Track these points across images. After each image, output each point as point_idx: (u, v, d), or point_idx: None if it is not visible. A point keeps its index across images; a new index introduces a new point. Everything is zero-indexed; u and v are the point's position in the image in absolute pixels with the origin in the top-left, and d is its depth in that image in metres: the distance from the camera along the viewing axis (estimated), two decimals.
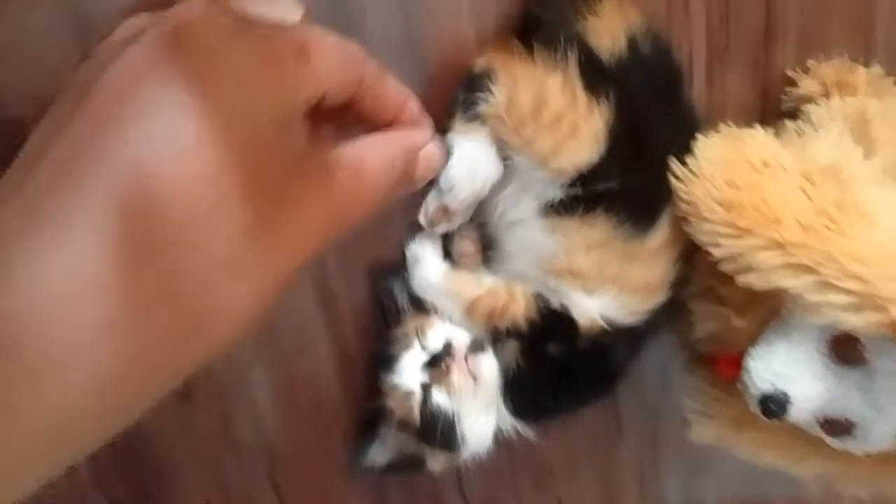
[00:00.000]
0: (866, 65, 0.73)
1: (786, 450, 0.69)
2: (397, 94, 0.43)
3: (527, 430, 0.69)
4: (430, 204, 0.66)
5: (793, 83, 0.73)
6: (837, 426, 0.59)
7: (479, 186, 0.63)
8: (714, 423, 0.73)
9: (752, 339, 0.63)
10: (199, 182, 0.30)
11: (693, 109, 0.67)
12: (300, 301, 0.70)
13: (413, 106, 0.44)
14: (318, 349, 0.73)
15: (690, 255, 0.66)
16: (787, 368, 0.59)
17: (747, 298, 0.64)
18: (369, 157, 0.38)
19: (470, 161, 0.62)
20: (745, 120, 0.69)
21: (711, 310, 0.68)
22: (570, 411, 0.72)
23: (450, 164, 0.61)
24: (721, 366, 0.68)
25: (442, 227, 0.67)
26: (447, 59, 0.66)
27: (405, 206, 0.68)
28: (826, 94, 0.72)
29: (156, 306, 0.29)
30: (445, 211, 0.65)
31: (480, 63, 0.63)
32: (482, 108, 0.60)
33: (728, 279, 0.63)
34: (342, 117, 0.40)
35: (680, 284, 0.67)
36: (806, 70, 0.73)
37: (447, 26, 0.65)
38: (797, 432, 0.65)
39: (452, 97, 0.63)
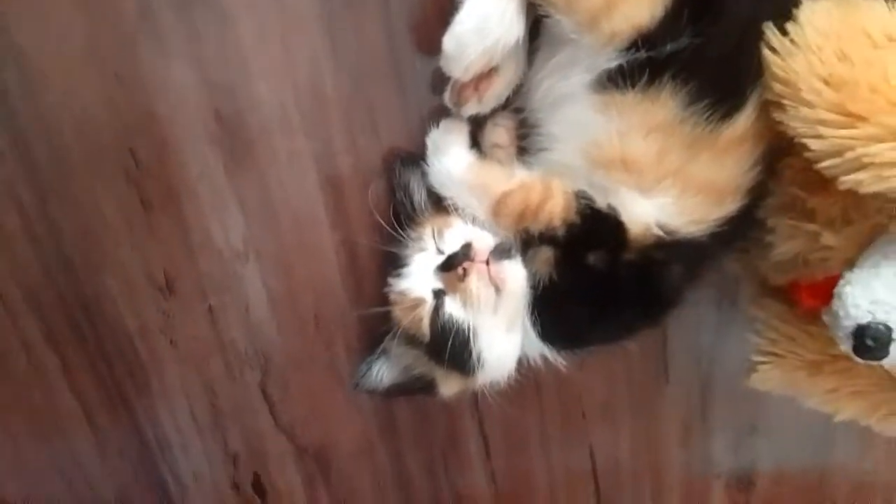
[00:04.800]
0: None
1: (870, 403, 0.59)
2: None
3: (557, 359, 0.60)
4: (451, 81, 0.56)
5: None
6: None
7: (491, 46, 0.52)
8: (785, 366, 0.62)
9: (848, 262, 0.53)
10: None
11: None
12: (301, 184, 0.62)
13: None
14: (321, 247, 0.65)
15: (774, 158, 0.54)
16: (893, 296, 0.47)
17: (845, 210, 0.53)
18: None
19: (481, 15, 0.51)
20: None
21: (796, 226, 0.56)
22: (609, 340, 0.62)
23: (457, 18, 0.51)
24: (804, 294, 0.57)
25: (470, 109, 0.57)
26: None
27: (431, 83, 0.59)
28: None
29: None
30: (474, 85, 0.54)
31: None
32: None
33: (820, 187, 0.53)
34: None
35: (757, 193, 0.55)
36: None
37: None
38: (887, 382, 0.54)
39: None
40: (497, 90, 0.56)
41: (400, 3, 0.57)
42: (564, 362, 0.60)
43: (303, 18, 0.56)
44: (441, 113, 0.59)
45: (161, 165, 0.58)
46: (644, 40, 0.48)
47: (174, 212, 0.60)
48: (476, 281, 0.54)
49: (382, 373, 0.62)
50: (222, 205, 0.60)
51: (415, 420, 0.75)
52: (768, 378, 0.63)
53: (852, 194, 0.48)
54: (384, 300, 0.60)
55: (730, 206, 0.54)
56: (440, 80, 0.57)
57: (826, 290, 0.53)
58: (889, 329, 0.47)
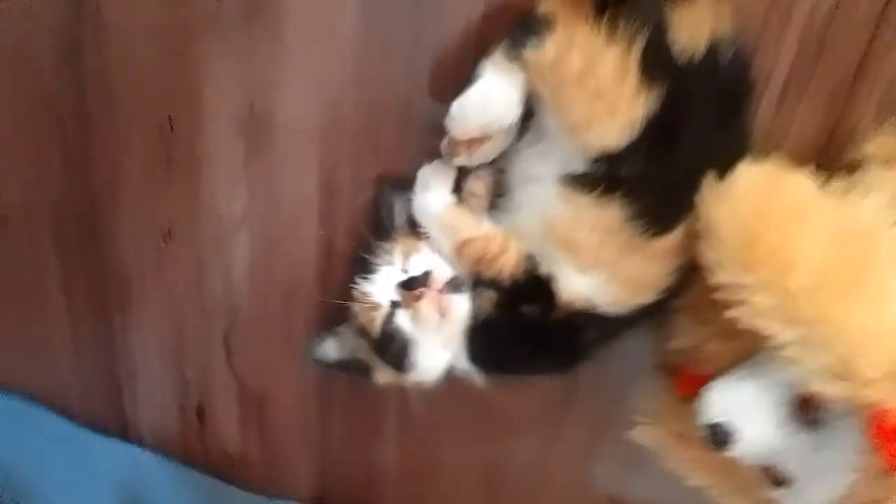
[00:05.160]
0: None
1: (718, 480, 0.70)
2: None
3: (478, 378, 0.70)
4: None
5: (865, 137, 0.68)
6: (777, 477, 0.59)
7: (488, 123, 0.61)
8: (658, 431, 0.73)
9: (723, 368, 0.62)
10: None
11: (747, 132, 0.63)
12: (303, 181, 0.70)
13: None
14: (306, 232, 0.73)
15: (691, 269, 0.64)
16: (745, 406, 0.59)
17: (732, 328, 0.63)
18: None
19: (488, 95, 0.60)
20: (802, 156, 0.66)
21: (694, 327, 0.67)
22: (523, 375, 0.72)
23: (468, 92, 0.59)
24: (682, 381, 0.68)
25: (459, 161, 0.66)
26: None
27: (434, 128, 0.66)
28: (890, 162, 0.68)
29: None
30: (468, 143, 0.64)
31: (544, 7, 0.59)
32: (527, 52, 0.58)
33: (719, 304, 0.62)
34: None
35: (671, 292, 0.65)
36: (881, 126, 0.68)
37: None
38: (735, 468, 0.65)
39: (505, 31, 0.60)
40: (485, 153, 0.64)
41: (427, 54, 0.65)
42: (485, 381, 0.69)
43: (342, 48, 0.64)
44: (435, 153, 0.67)
45: (192, 134, 0.66)
46: (607, 159, 0.57)
47: (191, 175, 0.68)
48: (427, 304, 0.64)
49: (332, 349, 0.72)
50: (234, 180, 0.68)
51: (348, 391, 0.85)
52: (645, 435, 0.75)
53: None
54: (347, 293, 0.69)
55: (646, 298, 0.64)
56: (442, 128, 0.64)
57: (700, 384, 0.65)
58: (735, 431, 0.58)
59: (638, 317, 0.66)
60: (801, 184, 0.59)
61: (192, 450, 0.89)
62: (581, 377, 0.84)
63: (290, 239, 0.73)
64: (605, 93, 0.56)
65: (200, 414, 0.87)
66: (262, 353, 0.81)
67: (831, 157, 0.70)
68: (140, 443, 0.87)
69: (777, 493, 0.61)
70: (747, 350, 0.62)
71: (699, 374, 0.66)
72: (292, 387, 0.84)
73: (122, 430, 0.88)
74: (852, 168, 0.68)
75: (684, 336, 0.68)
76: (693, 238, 0.60)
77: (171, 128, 0.67)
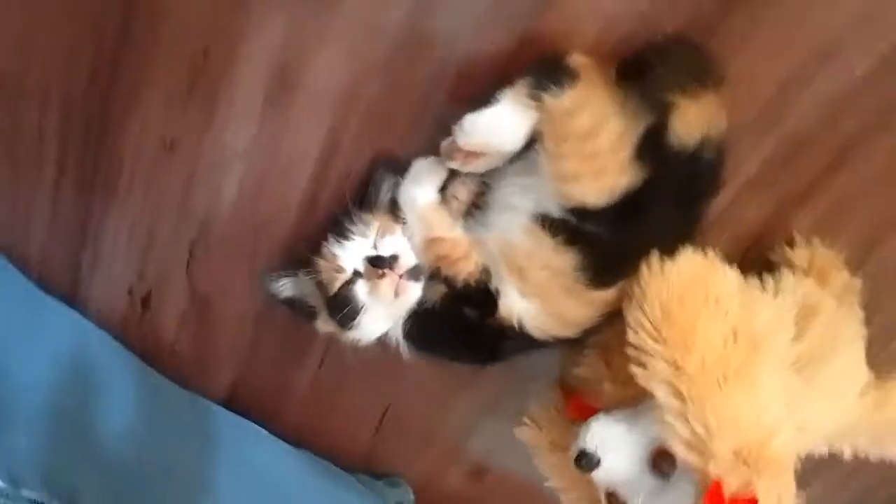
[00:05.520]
0: (852, 273, 0.80)
1: (571, 489, 0.82)
2: None
3: (405, 350, 0.78)
4: (452, 139, 0.70)
5: (791, 243, 0.80)
6: (616, 502, 0.72)
7: (491, 145, 0.67)
8: (537, 434, 0.84)
9: (609, 405, 0.74)
10: None
11: (700, 219, 0.72)
12: (309, 137, 0.75)
13: None
14: (296, 177, 0.78)
15: (613, 318, 0.74)
16: (615, 443, 0.69)
17: (627, 378, 0.74)
18: None
19: (500, 122, 0.65)
20: (736, 244, 0.77)
21: (597, 365, 0.77)
22: (445, 359, 0.81)
23: (483, 112, 0.65)
24: (573, 404, 0.79)
25: (453, 165, 0.72)
26: (554, 33, 0.68)
27: (442, 127, 0.72)
28: (805, 272, 0.79)
29: None
30: (466, 153, 0.70)
31: (572, 59, 0.65)
32: (546, 97, 0.63)
33: (624, 355, 0.72)
34: None
35: (590, 332, 0.75)
36: (809, 242, 0.79)
37: (578, 11, 0.67)
38: (586, 484, 0.77)
39: (530, 66, 0.65)
40: (477, 166, 0.71)
41: (456, 63, 0.70)
42: (408, 353, 0.77)
43: (383, 33, 0.68)
44: (435, 150, 0.72)
45: (220, 70, 0.70)
46: (579, 212, 0.65)
47: (208, 105, 0.72)
48: (387, 284, 0.70)
49: (286, 288, 0.79)
50: (246, 117, 0.72)
51: (286, 321, 0.91)
52: (525, 435, 0.86)
53: None
54: (316, 246, 0.75)
55: (570, 332, 0.73)
56: (448, 131, 0.69)
57: (586, 412, 0.75)
58: (599, 461, 0.69)
59: (555, 343, 0.75)
60: (724, 279, 0.69)
61: (129, 332, 0.95)
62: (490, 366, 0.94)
63: (280, 181, 0.78)
64: (599, 157, 0.63)
65: (146, 302, 0.92)
66: (220, 268, 0.87)
67: (760, 251, 0.81)
68: (84, 312, 0.92)
69: None
70: (632, 398, 0.72)
71: (588, 403, 0.77)
72: (238, 303, 0.91)
73: (70, 298, 0.93)
74: (771, 267, 0.80)
75: (587, 368, 0.78)
76: (623, 295, 0.70)
77: (203, 58, 0.70)
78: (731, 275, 0.71)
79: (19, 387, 0.80)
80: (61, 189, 0.84)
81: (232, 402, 1.02)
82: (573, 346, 0.80)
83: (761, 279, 0.76)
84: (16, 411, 0.79)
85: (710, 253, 0.71)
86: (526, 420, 0.86)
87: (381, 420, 1.08)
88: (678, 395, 0.64)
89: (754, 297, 0.73)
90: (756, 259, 0.81)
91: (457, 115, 0.67)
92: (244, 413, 1.02)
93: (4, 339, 0.82)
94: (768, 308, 0.72)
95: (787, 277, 0.76)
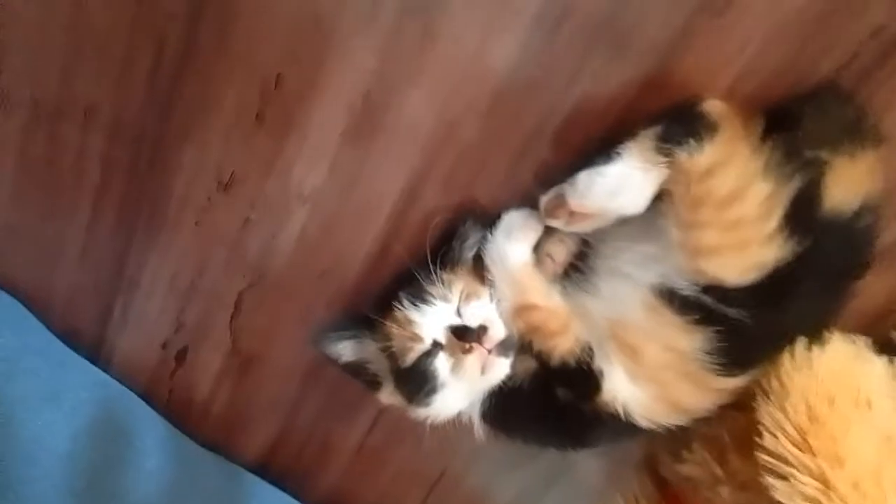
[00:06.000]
0: None
1: None
2: None
3: (478, 430, 0.67)
4: (558, 194, 0.60)
5: None
6: None
7: (609, 208, 0.58)
8: None
9: None
10: None
11: (843, 299, 0.62)
12: (388, 181, 0.65)
13: None
14: (367, 225, 0.69)
15: (735, 407, 0.63)
16: None
17: (749, 481, 0.62)
18: None
19: (622, 182, 0.56)
20: (874, 324, 0.66)
21: (710, 463, 0.66)
22: (526, 443, 0.71)
23: (602, 169, 0.56)
24: None
25: (553, 224, 0.62)
26: (683, 76, 0.58)
27: (540, 179, 0.63)
28: None
29: None
30: (569, 211, 0.60)
31: (711, 106, 0.56)
32: (680, 152, 0.54)
33: (746, 452, 0.61)
34: None
35: (706, 420, 0.64)
36: None
37: (714, 57, 0.58)
38: None
39: (659, 114, 0.56)
40: (584, 228, 0.61)
41: (567, 108, 0.60)
42: (483, 436, 0.67)
43: (486, 76, 0.59)
44: (529, 202, 0.63)
45: (294, 99, 0.60)
46: (716, 291, 0.55)
47: (277, 137, 0.62)
48: (474, 361, 0.60)
49: (346, 351, 0.68)
50: (318, 156, 0.63)
51: (336, 380, 0.82)
52: None
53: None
54: (385, 306, 0.65)
55: (679, 421, 0.63)
56: (548, 181, 0.61)
57: None
58: None
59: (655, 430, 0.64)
60: (876, 375, 0.59)
61: (158, 388, 0.85)
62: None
63: (348, 228, 0.68)
64: (744, 227, 0.53)
65: (181, 357, 0.82)
66: (268, 321, 0.77)
67: (883, 329, 0.70)
68: (107, 366, 0.82)
69: None
70: None
71: None
72: (285, 359, 0.81)
73: (95, 350, 0.83)
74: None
75: (696, 467, 0.67)
76: (759, 393, 0.60)
77: (276, 85, 0.60)
78: (881, 366, 0.60)
79: (33, 458, 0.70)
80: (98, 223, 0.74)
81: (267, 464, 0.92)
82: (673, 435, 0.68)
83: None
84: (31, 486, 0.68)
85: (859, 342, 0.60)
86: None
87: (431, 489, 0.97)
88: None
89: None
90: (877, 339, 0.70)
91: (559, 165, 0.59)
92: (280, 476, 0.93)
93: (16, 403, 0.71)
94: None
95: None
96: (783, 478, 0.55)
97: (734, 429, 0.64)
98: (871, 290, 0.67)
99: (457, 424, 0.68)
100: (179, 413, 0.86)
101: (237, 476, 0.88)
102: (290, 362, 0.81)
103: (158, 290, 0.76)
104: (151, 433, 0.81)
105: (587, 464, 0.91)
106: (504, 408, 0.65)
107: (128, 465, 0.76)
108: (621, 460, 0.81)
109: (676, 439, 0.70)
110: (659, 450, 0.75)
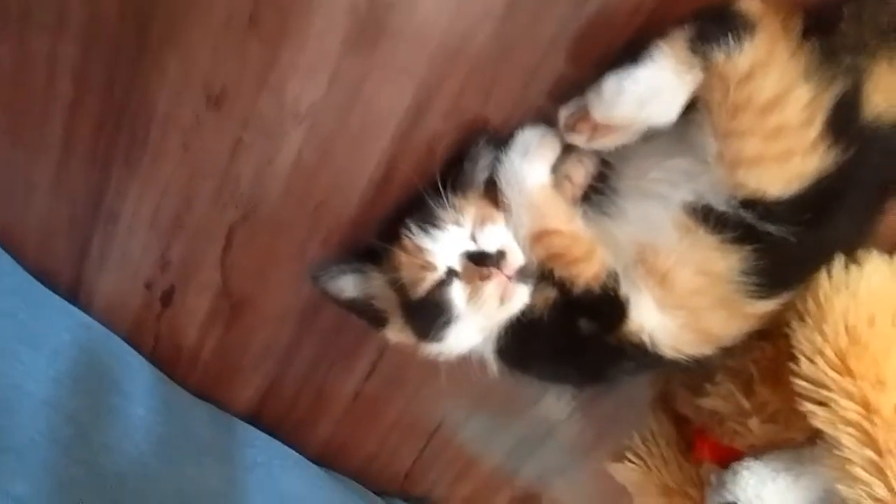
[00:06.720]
0: None
1: None
2: None
3: (492, 368, 0.63)
4: (580, 106, 0.56)
5: None
6: None
7: (638, 118, 0.53)
8: (646, 477, 0.70)
9: (753, 449, 0.60)
10: None
11: (881, 215, 0.58)
12: (394, 96, 0.60)
13: None
14: (370, 145, 0.63)
15: (761, 336, 0.60)
16: (773, 499, 0.56)
17: (778, 411, 0.60)
18: None
19: (654, 87, 0.51)
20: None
21: (735, 395, 0.63)
22: (544, 380, 0.67)
23: (631, 73, 0.51)
24: (705, 446, 0.65)
25: (575, 140, 0.57)
26: None
27: (557, 93, 0.58)
28: None
29: None
30: (593, 125, 0.55)
31: (747, 5, 0.51)
32: (718, 53, 0.49)
33: (774, 381, 0.59)
34: None
35: (729, 351, 0.61)
36: None
37: None
38: None
39: (689, 17, 0.51)
40: (608, 143, 0.56)
41: (585, 16, 0.56)
42: (495, 371, 0.63)
43: None
44: (546, 119, 0.58)
45: (292, 1, 0.54)
46: (756, 206, 0.51)
47: (271, 45, 0.55)
48: (493, 288, 0.56)
49: (349, 286, 0.63)
50: (316, 67, 0.56)
51: (335, 321, 0.77)
52: (626, 474, 0.72)
53: (791, 405, 0.55)
54: (392, 234, 0.60)
55: (706, 351, 0.59)
56: (567, 95, 0.57)
57: (725, 456, 0.61)
58: None
59: (681, 363, 0.61)
60: None
61: (143, 333, 0.79)
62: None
63: (349, 150, 0.62)
64: (787, 134, 0.50)
65: (167, 298, 0.76)
66: (262, 258, 0.71)
67: None
68: (87, 308, 0.76)
69: None
70: (785, 440, 0.59)
71: (725, 445, 0.63)
72: (279, 300, 0.75)
73: (73, 291, 0.76)
74: None
75: (721, 400, 0.64)
76: (786, 313, 0.56)
77: None
78: None
79: (13, 405, 0.64)
80: (72, 148, 0.66)
81: (259, 414, 0.88)
82: (692, 371, 0.65)
83: None
84: (12, 435, 0.63)
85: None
86: (630, 457, 0.71)
87: (429, 439, 0.95)
88: (872, 443, 0.50)
89: None
90: None
91: (576, 77, 0.54)
92: (273, 425, 0.89)
93: None
94: None
95: None
96: (822, 404, 0.52)
97: (762, 359, 0.61)
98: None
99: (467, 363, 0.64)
100: (166, 361, 0.81)
101: (231, 425, 0.84)
102: (284, 305, 0.76)
103: (141, 224, 0.69)
104: (139, 379, 0.76)
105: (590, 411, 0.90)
106: (521, 342, 0.60)
107: (116, 412, 0.70)
108: (630, 401, 0.79)
109: (695, 375, 0.67)
110: (676, 386, 0.72)
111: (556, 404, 0.89)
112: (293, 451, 0.90)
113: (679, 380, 0.71)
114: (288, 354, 0.81)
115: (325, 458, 0.94)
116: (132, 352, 0.77)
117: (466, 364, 0.64)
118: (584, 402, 0.88)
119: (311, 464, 0.91)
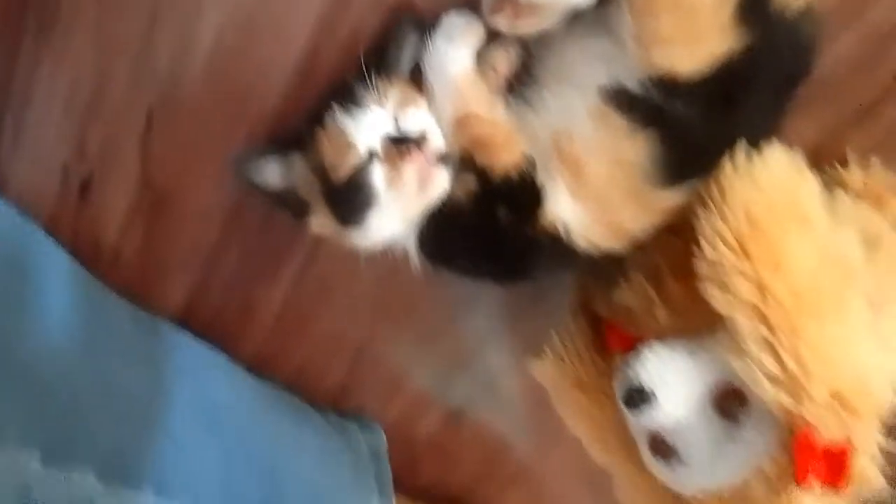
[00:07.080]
0: None
1: (598, 435, 0.71)
2: None
3: (414, 260, 0.64)
4: None
5: (848, 165, 0.69)
6: (663, 448, 0.60)
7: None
8: (560, 370, 0.73)
9: (660, 335, 0.62)
10: None
11: (784, 112, 0.61)
12: None
13: None
14: (293, 36, 0.62)
15: (670, 231, 0.62)
16: (673, 379, 0.59)
17: (686, 303, 0.62)
18: None
19: None
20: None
21: (645, 289, 0.65)
22: (464, 274, 0.68)
23: None
24: (613, 335, 0.67)
25: (497, 23, 0.58)
26: None
27: None
28: (859, 195, 0.69)
29: None
30: (517, 7, 0.56)
31: None
32: None
33: (682, 275, 0.61)
34: None
35: (638, 247, 0.63)
36: (866, 163, 0.69)
37: None
38: (618, 428, 0.66)
39: None
40: (528, 28, 0.57)
41: None
42: (418, 267, 0.64)
43: None
44: (470, 6, 0.58)
45: None
46: (666, 86, 0.53)
47: None
48: (412, 169, 0.56)
49: (274, 175, 0.63)
50: None
51: (262, 220, 0.76)
52: (544, 370, 0.75)
53: (697, 297, 0.58)
54: (314, 119, 0.60)
55: (619, 245, 0.62)
56: None
57: (631, 343, 0.64)
58: (654, 398, 0.58)
59: (597, 260, 0.63)
60: (814, 190, 0.59)
61: (60, 226, 0.76)
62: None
63: (272, 32, 0.60)
64: (699, 14, 0.51)
65: (85, 189, 0.73)
66: (185, 147, 0.69)
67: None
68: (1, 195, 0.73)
69: (655, 464, 0.62)
70: (691, 329, 0.62)
71: (632, 333, 0.66)
72: (204, 194, 0.74)
73: None
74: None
75: (633, 294, 0.66)
76: (698, 203, 0.58)
77: None
78: (817, 187, 0.59)
79: None
80: None
81: (185, 319, 0.86)
82: (605, 268, 0.68)
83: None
84: None
85: (797, 155, 0.59)
86: (547, 353, 0.73)
87: (358, 351, 0.95)
88: (765, 322, 0.53)
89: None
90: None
91: None
92: (199, 332, 0.87)
93: None
94: (847, 233, 0.61)
95: (844, 200, 0.65)
96: (722, 286, 0.55)
97: (671, 253, 0.64)
98: (799, 126, 0.67)
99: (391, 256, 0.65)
100: (86, 259, 0.79)
101: (156, 327, 0.82)
102: (208, 201, 0.74)
103: (55, 107, 0.67)
104: (55, 269, 0.73)
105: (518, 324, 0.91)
106: (442, 233, 0.62)
107: (27, 303, 0.67)
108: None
109: (610, 272, 0.70)
110: (592, 287, 0.74)
111: (484, 321, 0.91)
112: (223, 359, 0.88)
113: (595, 279, 0.73)
114: (214, 257, 0.80)
115: (256, 368, 0.93)
116: (47, 240, 0.75)
117: (392, 263, 0.65)
118: (510, 318, 0.90)
119: (242, 371, 0.90)
